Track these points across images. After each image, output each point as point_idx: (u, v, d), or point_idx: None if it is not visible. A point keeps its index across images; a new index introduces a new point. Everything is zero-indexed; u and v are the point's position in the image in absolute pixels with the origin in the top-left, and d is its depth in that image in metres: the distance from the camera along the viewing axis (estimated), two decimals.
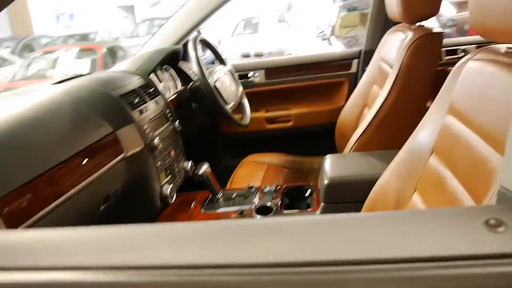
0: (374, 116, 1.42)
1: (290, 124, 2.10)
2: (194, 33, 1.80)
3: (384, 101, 1.40)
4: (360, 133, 1.45)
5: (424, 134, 1.00)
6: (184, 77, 1.82)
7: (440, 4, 1.42)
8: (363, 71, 1.92)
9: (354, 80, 2.01)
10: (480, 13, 0.77)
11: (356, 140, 1.46)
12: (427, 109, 1.19)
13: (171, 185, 1.33)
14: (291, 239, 0.41)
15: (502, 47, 0.82)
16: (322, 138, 2.04)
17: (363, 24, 7.08)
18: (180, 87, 1.76)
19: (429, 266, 0.37)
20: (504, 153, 0.45)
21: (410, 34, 1.41)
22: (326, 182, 1.20)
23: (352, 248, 0.38)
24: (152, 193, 1.26)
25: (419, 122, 1.43)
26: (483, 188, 0.70)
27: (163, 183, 1.31)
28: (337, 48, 5.93)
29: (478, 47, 0.95)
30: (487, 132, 0.71)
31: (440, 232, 0.41)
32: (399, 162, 1.06)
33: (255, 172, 1.83)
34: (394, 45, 1.53)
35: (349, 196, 1.18)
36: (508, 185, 0.44)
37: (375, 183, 1.10)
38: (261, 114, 2.13)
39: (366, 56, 1.94)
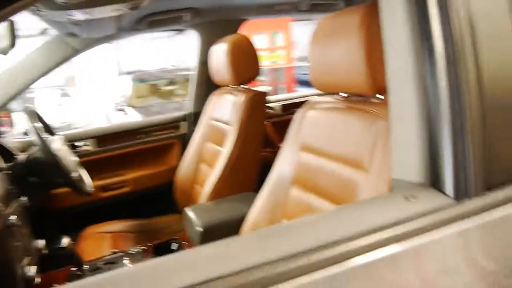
0: (224, 167, 1.62)
1: (127, 189, 2.11)
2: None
3: (231, 152, 1.62)
4: (213, 183, 1.62)
5: (281, 171, 1.24)
6: (4, 153, 1.67)
7: (259, 70, 1.77)
8: (192, 131, 2.13)
9: (184, 140, 2.18)
10: (317, 74, 1.06)
11: (211, 190, 1.62)
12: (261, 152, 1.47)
13: (33, 266, 1.21)
14: None
15: (331, 98, 1.14)
16: (161, 198, 2.12)
17: (154, 94, 7.46)
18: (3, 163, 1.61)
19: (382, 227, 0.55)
20: (391, 155, 0.69)
21: (241, 95, 1.69)
22: (200, 229, 1.30)
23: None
24: (15, 277, 1.13)
25: (259, 165, 1.71)
26: (350, 199, 0.95)
27: (24, 264, 1.18)
28: (133, 117, 6.07)
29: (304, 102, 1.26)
30: (346, 158, 0.98)
31: (376, 209, 0.60)
32: (264, 198, 1.26)
33: (100, 242, 1.77)
34: (226, 105, 1.79)
35: (224, 237, 1.31)
36: (397, 176, 0.68)
37: (243, 221, 1.28)
38: (94, 183, 2.07)
39: (195, 117, 2.16)
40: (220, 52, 1.76)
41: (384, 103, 0.96)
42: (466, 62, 0.58)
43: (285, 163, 1.23)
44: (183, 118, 2.22)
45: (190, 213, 1.40)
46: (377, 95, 0.96)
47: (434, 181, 0.61)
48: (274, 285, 0.49)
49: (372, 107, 0.95)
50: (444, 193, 0.59)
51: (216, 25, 2.08)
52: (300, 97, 2.34)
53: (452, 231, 0.56)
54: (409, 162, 0.64)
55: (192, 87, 2.20)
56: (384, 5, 0.69)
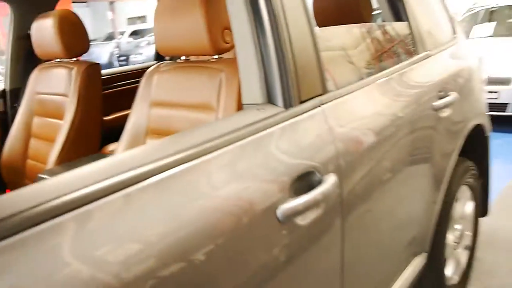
0: (66, 137, 1.72)
1: None
2: None
3: (71, 122, 1.73)
4: (57, 153, 1.71)
5: (135, 127, 1.46)
6: None
7: (89, 43, 1.89)
8: (13, 107, 2.08)
9: (4, 118, 2.11)
10: (164, 42, 1.33)
11: (56, 159, 1.70)
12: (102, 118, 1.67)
13: None
14: None
15: (173, 62, 1.42)
16: None
17: None
18: None
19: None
20: (241, 87, 1.01)
21: (75, 67, 1.80)
22: None
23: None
24: None
25: (100, 131, 1.88)
26: None
27: None
28: None
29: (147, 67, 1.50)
30: (196, 104, 1.28)
31: (235, 121, 0.93)
32: (122, 151, 1.47)
33: None
34: (57, 78, 1.86)
35: None
36: (246, 102, 1.02)
37: None
38: None
39: (12, 94, 2.10)
40: (47, 27, 1.81)
41: (222, 61, 1.30)
42: (281, 27, 0.95)
43: (138, 120, 1.46)
44: (0, 96, 2.14)
45: (45, 176, 1.48)
46: (215, 56, 1.28)
47: (270, 100, 0.97)
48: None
49: (212, 64, 1.27)
50: (278, 105, 0.96)
51: (32, 1, 2.06)
52: (128, 70, 2.50)
53: (282, 127, 0.93)
54: (253, 90, 0.98)
55: (7, 64, 2.13)
56: None
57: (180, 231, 0.66)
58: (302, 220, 0.87)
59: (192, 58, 1.38)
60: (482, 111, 1.96)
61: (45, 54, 1.91)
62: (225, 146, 0.79)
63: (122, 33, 15.76)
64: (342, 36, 1.29)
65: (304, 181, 0.89)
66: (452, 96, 1.59)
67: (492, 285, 2.06)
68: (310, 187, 0.89)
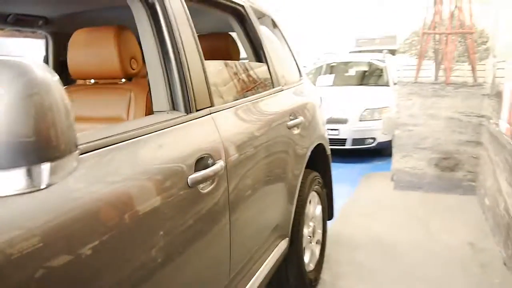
0: None
1: None
2: None
3: None
4: None
5: None
6: None
7: None
8: None
9: None
10: (77, 67, 1.61)
11: None
12: None
13: None
14: None
15: (82, 84, 1.69)
16: None
17: None
18: None
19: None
20: (152, 96, 1.36)
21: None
22: None
23: None
24: None
25: None
26: None
27: None
28: None
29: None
30: (108, 118, 1.57)
31: (144, 120, 1.28)
32: None
33: None
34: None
35: None
36: (156, 109, 1.36)
37: None
38: None
39: None
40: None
41: (130, 83, 1.62)
42: (182, 57, 1.35)
43: None
44: None
45: None
46: (123, 79, 1.61)
47: (175, 107, 1.33)
48: None
49: (122, 85, 1.59)
50: (180, 111, 1.32)
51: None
52: None
53: (185, 125, 1.29)
54: (161, 100, 1.33)
55: None
56: (140, 28, 1.36)
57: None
58: (203, 189, 1.24)
59: (101, 81, 1.67)
60: (322, 134, 2.57)
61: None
62: (147, 134, 1.13)
63: None
64: (222, 68, 1.74)
65: (203, 163, 1.26)
66: (300, 119, 2.14)
67: (339, 272, 2.62)
68: (207, 166, 1.27)
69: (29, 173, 0.52)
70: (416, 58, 4.06)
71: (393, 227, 3.31)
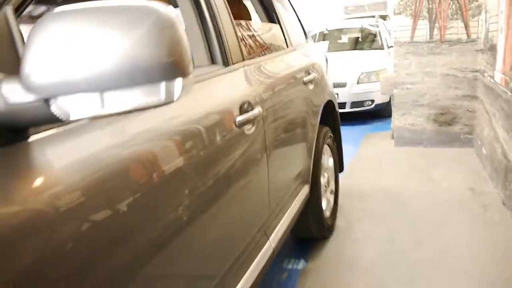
0: None
1: None
2: None
3: None
4: None
5: None
6: None
7: None
8: None
9: None
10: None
11: None
12: None
13: None
14: None
15: None
16: None
17: None
18: None
19: None
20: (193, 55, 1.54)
21: None
22: None
23: None
24: None
25: None
26: None
27: None
28: None
29: None
30: None
31: None
32: None
33: None
34: None
35: None
36: (195, 65, 1.53)
37: None
38: None
39: None
40: None
41: None
42: (216, 16, 1.50)
43: None
44: None
45: None
46: None
47: (214, 62, 1.50)
48: None
49: None
50: (219, 65, 1.49)
51: None
52: None
53: (226, 76, 1.46)
54: (200, 56, 1.50)
55: None
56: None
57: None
58: (247, 131, 1.42)
59: None
60: (331, 91, 2.75)
61: None
62: (200, 81, 1.30)
63: None
64: (248, 28, 1.90)
65: (244, 108, 1.44)
66: (313, 75, 2.32)
67: (352, 218, 2.85)
68: (248, 111, 1.45)
69: (167, 87, 0.70)
70: (411, 19, 4.22)
71: (397, 178, 3.54)
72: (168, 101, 0.71)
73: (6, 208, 0.64)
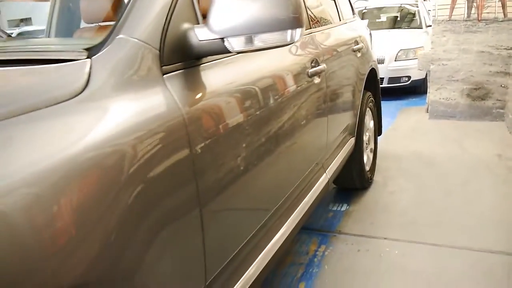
0: None
1: None
2: None
3: None
4: None
5: None
6: None
7: None
8: None
9: None
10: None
11: None
12: None
13: None
14: None
15: None
16: None
17: None
18: None
19: None
20: None
21: None
22: None
23: None
24: None
25: None
26: None
27: None
28: None
29: None
30: None
31: None
32: None
33: None
34: None
35: None
36: None
37: None
38: None
39: None
40: None
41: None
42: None
43: None
44: None
45: None
46: None
47: None
48: None
49: None
50: None
51: None
52: None
53: (300, 42, 1.91)
54: None
55: None
56: None
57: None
58: (315, 80, 1.86)
59: None
60: (375, 61, 3.15)
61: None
62: None
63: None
64: (313, 2, 2.33)
65: (313, 64, 1.88)
66: (361, 44, 2.73)
67: (388, 175, 3.27)
68: (316, 66, 1.89)
69: (291, 34, 1.14)
70: None
71: (430, 145, 3.92)
72: (291, 43, 1.16)
73: (194, 107, 1.10)
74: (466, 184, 3.05)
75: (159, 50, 1.03)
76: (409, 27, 6.85)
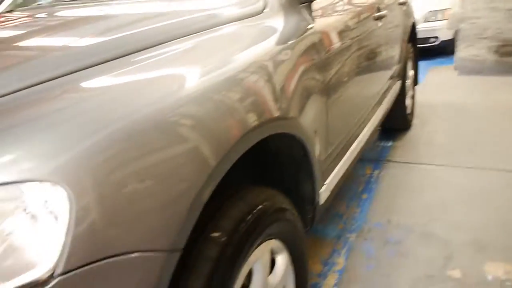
0: None
1: None
2: None
3: None
4: None
5: None
6: None
7: None
8: None
9: None
10: None
11: None
12: None
13: None
14: None
15: None
16: None
17: None
18: None
19: None
20: None
21: None
22: None
23: None
24: None
25: None
26: None
27: None
28: None
29: None
30: None
31: None
32: None
33: None
34: None
35: None
36: None
37: None
38: None
39: None
40: None
41: None
42: None
43: None
44: None
45: None
46: None
47: None
48: None
49: None
50: None
51: None
52: None
53: None
54: None
55: None
56: None
57: None
58: (378, 23, 2.33)
59: None
60: (414, 16, 3.59)
61: None
62: None
63: None
64: None
65: (377, 9, 2.34)
66: (406, 2, 3.17)
67: (424, 119, 3.75)
68: (379, 11, 2.35)
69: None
70: None
71: (460, 96, 4.37)
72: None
73: (319, 28, 1.58)
74: (495, 125, 3.51)
75: None
76: None
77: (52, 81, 0.83)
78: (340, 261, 1.99)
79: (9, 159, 0.65)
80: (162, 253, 0.72)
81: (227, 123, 0.94)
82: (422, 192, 2.54)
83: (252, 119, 1.02)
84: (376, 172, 2.87)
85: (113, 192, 0.67)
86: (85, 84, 0.85)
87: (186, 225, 0.77)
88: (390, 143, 3.32)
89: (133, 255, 0.68)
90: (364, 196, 2.57)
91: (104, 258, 0.64)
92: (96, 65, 0.90)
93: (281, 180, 1.38)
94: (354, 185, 2.70)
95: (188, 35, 1.13)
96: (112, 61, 0.93)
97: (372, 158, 3.08)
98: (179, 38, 1.10)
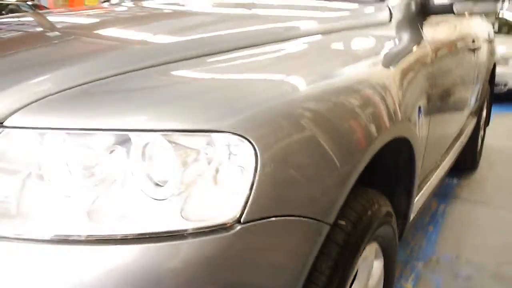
0: None
1: None
2: None
3: None
4: None
5: None
6: None
7: None
8: None
9: None
10: None
11: None
12: None
13: None
14: None
15: None
16: None
17: None
18: None
19: None
20: None
21: None
22: None
23: None
24: None
25: None
26: None
27: None
28: None
29: None
30: None
31: None
32: None
33: None
34: None
35: None
36: None
37: None
38: None
39: None
40: None
41: None
42: None
43: None
44: None
45: None
46: None
47: None
48: None
49: None
50: None
51: None
52: None
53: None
54: None
55: None
56: None
57: None
58: (472, 54, 2.34)
59: None
60: (495, 56, 3.56)
61: None
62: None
63: None
64: None
65: (473, 41, 2.35)
66: (492, 38, 3.16)
67: (491, 164, 3.67)
68: (473, 43, 2.36)
69: (499, 5, 1.64)
70: None
71: None
72: (497, 11, 1.66)
73: (431, 42, 1.61)
74: None
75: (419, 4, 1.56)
76: (507, 33, 7.09)
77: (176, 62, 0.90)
78: (408, 286, 1.97)
79: (201, 111, 0.71)
80: (318, 223, 0.76)
81: (375, 120, 1.01)
82: (490, 233, 2.48)
83: (386, 119, 1.06)
84: (442, 206, 2.83)
85: (289, 155, 0.72)
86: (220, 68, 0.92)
87: (335, 203, 0.81)
88: (455, 180, 3.26)
89: (303, 218, 0.72)
90: (430, 228, 2.54)
91: (281, 216, 0.68)
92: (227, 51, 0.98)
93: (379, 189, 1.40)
94: (420, 216, 2.66)
95: (321, 33, 1.21)
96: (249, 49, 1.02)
97: (437, 193, 3.03)
98: (314, 34, 1.18)
